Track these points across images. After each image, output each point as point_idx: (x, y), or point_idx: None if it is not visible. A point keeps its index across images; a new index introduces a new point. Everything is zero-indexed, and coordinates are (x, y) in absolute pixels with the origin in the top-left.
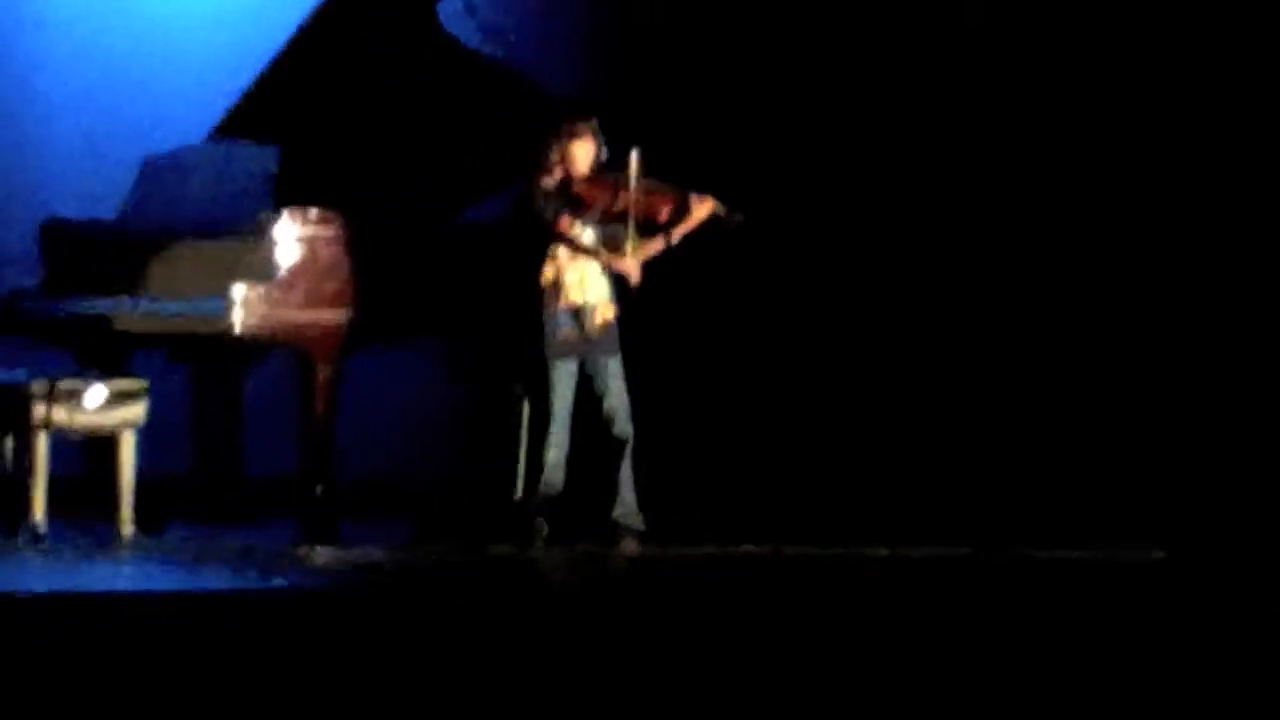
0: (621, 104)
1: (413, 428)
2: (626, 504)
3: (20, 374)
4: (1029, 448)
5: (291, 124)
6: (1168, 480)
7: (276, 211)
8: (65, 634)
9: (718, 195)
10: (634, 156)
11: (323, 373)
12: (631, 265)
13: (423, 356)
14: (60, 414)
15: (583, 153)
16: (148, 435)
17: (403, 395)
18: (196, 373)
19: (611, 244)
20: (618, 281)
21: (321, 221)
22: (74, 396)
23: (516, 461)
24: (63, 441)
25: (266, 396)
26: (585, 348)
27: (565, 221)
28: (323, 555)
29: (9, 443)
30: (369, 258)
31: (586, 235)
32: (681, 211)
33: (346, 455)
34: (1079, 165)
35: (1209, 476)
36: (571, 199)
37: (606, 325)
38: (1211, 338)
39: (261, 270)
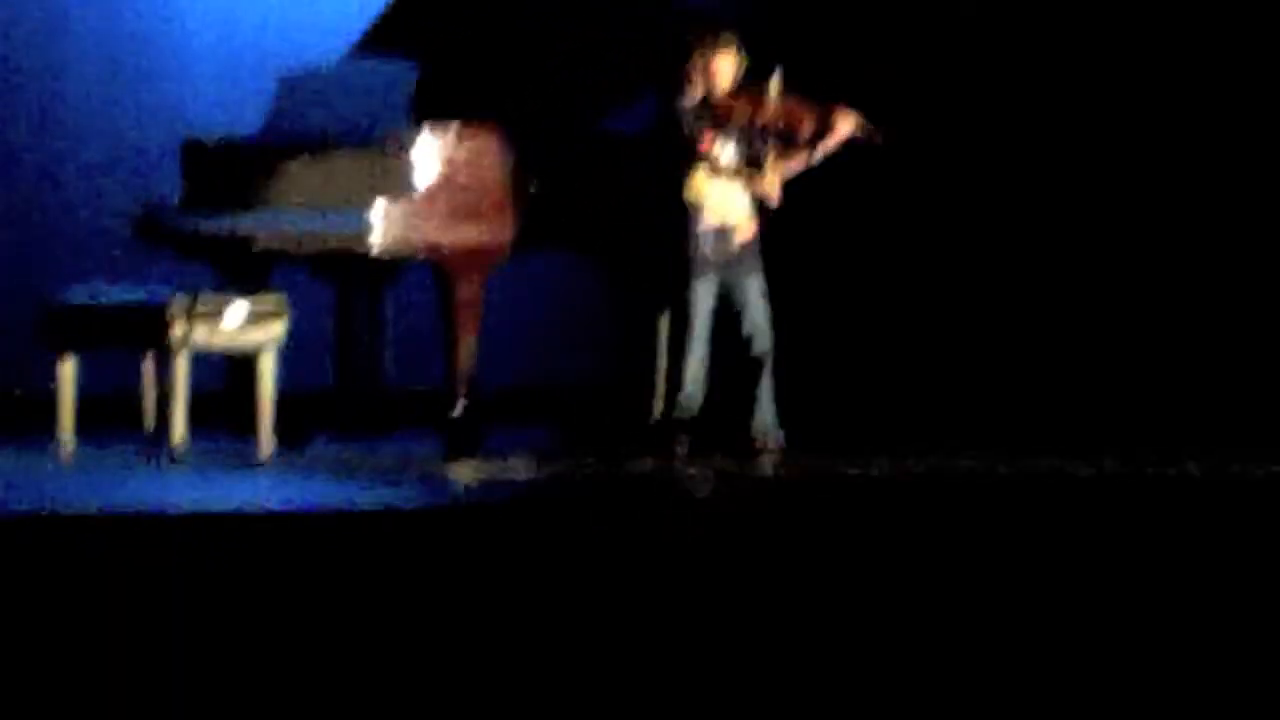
0: (762, 18)
1: (557, 339)
2: (766, 420)
3: (160, 292)
4: (1164, 361)
5: (430, 39)
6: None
7: (417, 126)
8: (205, 551)
9: (858, 111)
10: (776, 76)
11: (464, 288)
12: (771, 186)
13: (567, 268)
14: (200, 332)
15: (725, 68)
16: (292, 350)
17: (546, 306)
18: (340, 286)
19: (753, 159)
20: (759, 198)
21: (462, 135)
22: (214, 315)
23: (656, 377)
24: (206, 355)
25: (415, 305)
26: (727, 266)
27: (708, 139)
28: (464, 469)
29: (150, 361)
30: (511, 171)
31: (727, 151)
32: (824, 127)
33: (489, 365)
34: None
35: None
36: (713, 115)
37: (748, 243)
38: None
39: (401, 185)
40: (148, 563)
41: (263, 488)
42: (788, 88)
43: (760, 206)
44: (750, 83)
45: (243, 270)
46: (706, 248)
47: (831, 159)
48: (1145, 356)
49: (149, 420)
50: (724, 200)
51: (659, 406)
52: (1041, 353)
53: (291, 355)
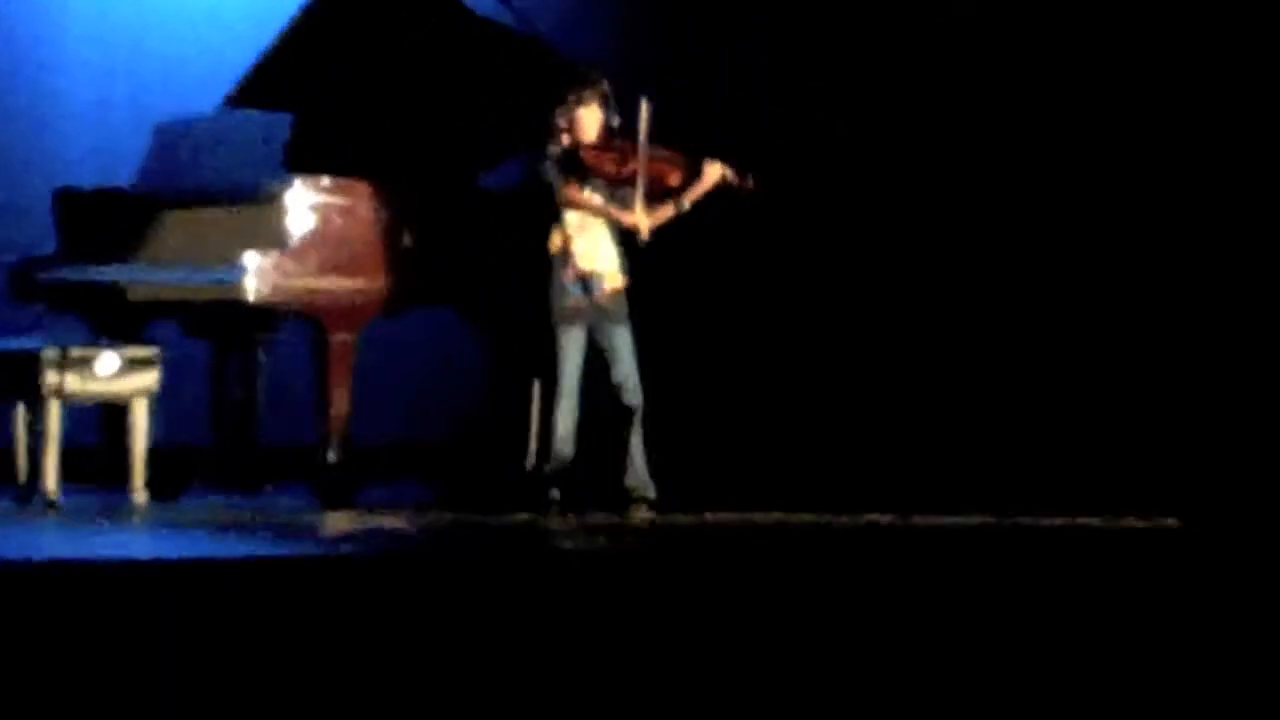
0: (637, 69)
1: (429, 393)
2: (637, 472)
3: (32, 342)
4: (1042, 414)
5: (306, 91)
6: (1183, 449)
7: (289, 179)
8: (75, 601)
9: (730, 163)
10: (645, 108)
11: (337, 341)
12: (641, 220)
13: (440, 323)
14: (73, 382)
15: (590, 121)
16: (167, 404)
17: (419, 361)
18: (214, 341)
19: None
20: (626, 250)
21: (335, 189)
22: (86, 364)
23: (527, 430)
24: (80, 409)
25: (288, 362)
26: (594, 316)
27: (572, 188)
28: (337, 522)
29: (22, 411)
30: (385, 225)
31: (594, 202)
32: (692, 177)
33: (363, 420)
34: (1077, 143)
35: (1224, 445)
36: (579, 166)
37: (615, 294)
38: (1227, 308)
39: (274, 238)
40: (18, 613)
41: (135, 538)
42: (659, 136)
43: (629, 260)
44: (618, 134)
45: (117, 324)
46: (573, 298)
47: (702, 210)
48: (1011, 407)
49: (22, 471)
50: (590, 249)
51: (532, 459)
52: (907, 406)
53: (166, 410)
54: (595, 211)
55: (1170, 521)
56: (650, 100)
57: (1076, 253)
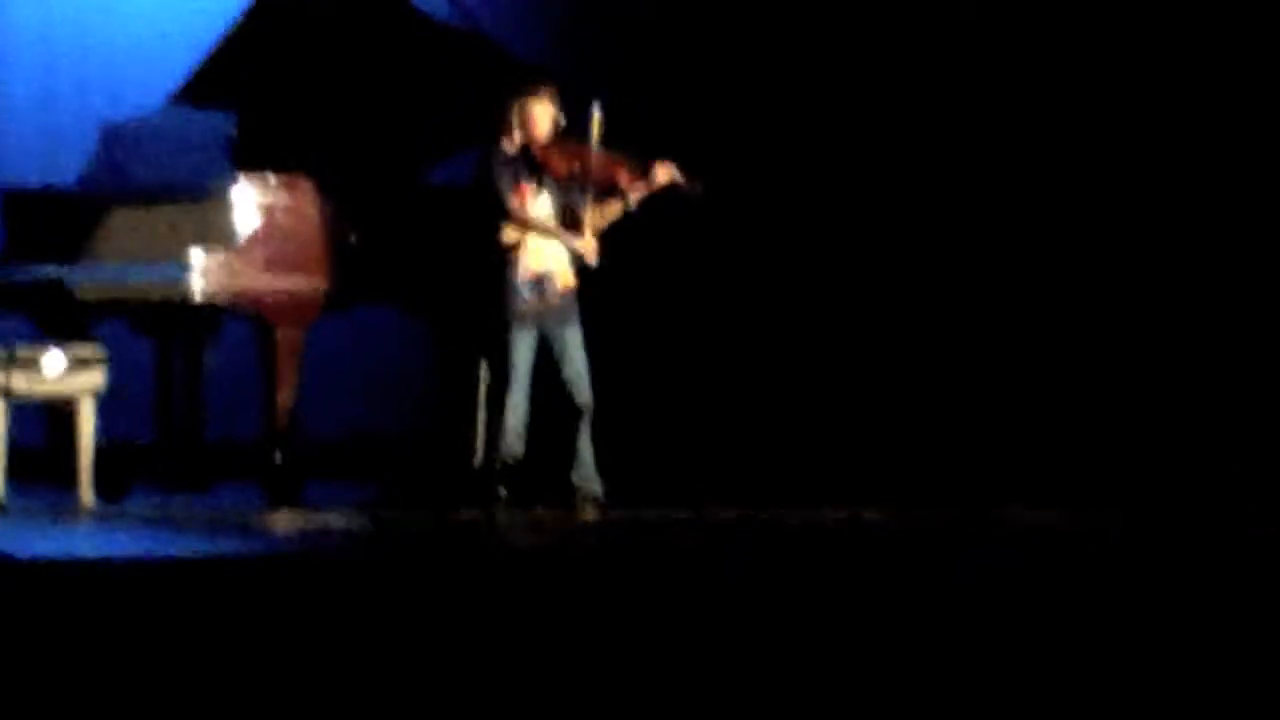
0: (585, 71)
1: (376, 391)
2: (585, 470)
3: None
4: (992, 409)
5: (251, 89)
6: (1128, 445)
7: (234, 176)
8: (21, 599)
9: (680, 165)
10: (597, 112)
11: (283, 339)
12: (588, 246)
13: (386, 320)
14: (19, 381)
15: (542, 116)
16: (113, 403)
17: (365, 358)
18: (160, 339)
19: (570, 209)
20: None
21: (281, 186)
22: (32, 363)
23: (476, 427)
24: (25, 410)
25: (234, 360)
26: (545, 316)
27: (519, 195)
28: (284, 520)
29: None
30: (330, 222)
31: (545, 202)
32: (641, 178)
33: (309, 417)
34: (1029, 135)
35: (1169, 441)
36: (531, 164)
37: (567, 292)
38: (1169, 309)
39: (221, 236)
40: None
41: (82, 537)
42: (609, 138)
43: (579, 261)
44: (568, 134)
45: (63, 322)
46: (525, 299)
47: (650, 211)
48: (962, 401)
49: None
50: (541, 249)
51: (479, 456)
52: (857, 402)
53: (112, 409)
54: (540, 231)
55: (1115, 515)
56: (601, 105)
57: (1033, 253)
